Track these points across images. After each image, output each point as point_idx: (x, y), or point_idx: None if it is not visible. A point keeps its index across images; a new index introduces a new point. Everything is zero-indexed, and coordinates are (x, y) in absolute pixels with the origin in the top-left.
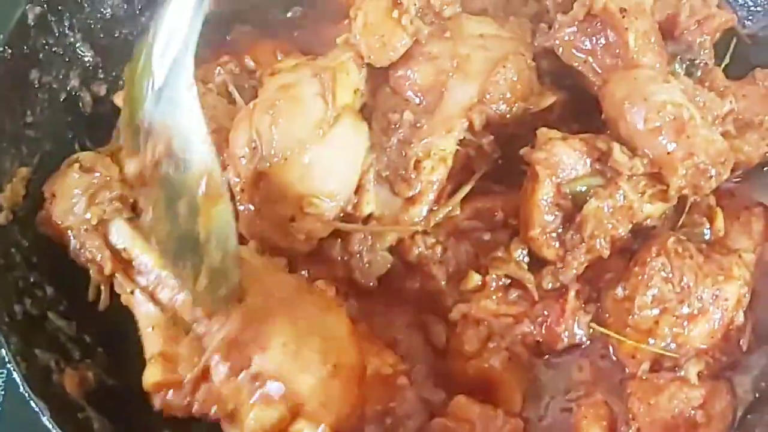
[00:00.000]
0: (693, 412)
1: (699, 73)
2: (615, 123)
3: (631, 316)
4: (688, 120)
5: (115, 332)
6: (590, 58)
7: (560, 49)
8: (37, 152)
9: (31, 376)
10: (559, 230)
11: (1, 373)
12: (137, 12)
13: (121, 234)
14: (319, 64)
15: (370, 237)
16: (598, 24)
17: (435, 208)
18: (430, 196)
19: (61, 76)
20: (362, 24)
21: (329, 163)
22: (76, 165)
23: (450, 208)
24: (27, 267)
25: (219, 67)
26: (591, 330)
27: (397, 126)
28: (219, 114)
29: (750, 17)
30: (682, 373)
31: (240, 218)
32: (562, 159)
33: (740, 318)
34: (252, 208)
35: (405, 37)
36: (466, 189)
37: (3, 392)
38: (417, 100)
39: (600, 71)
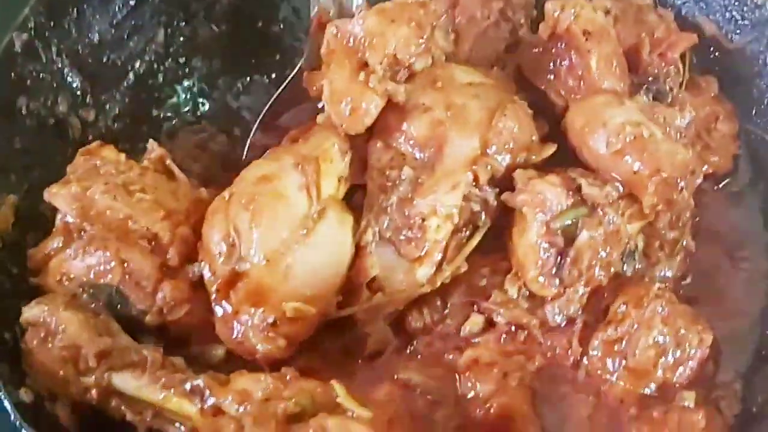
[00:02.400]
0: None
1: (669, 100)
2: (580, 151)
3: (630, 357)
4: (649, 137)
5: None
6: (554, 79)
7: (527, 69)
8: (25, 179)
9: (22, 405)
10: (555, 268)
11: None
12: (125, 37)
13: (127, 384)
14: (301, 152)
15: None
16: (563, 45)
17: (442, 267)
18: (437, 256)
19: (49, 103)
20: (329, 93)
21: (314, 264)
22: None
23: (458, 265)
24: (16, 294)
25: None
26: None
27: (397, 183)
28: (162, 195)
29: (737, 31)
30: (685, 403)
31: (215, 320)
32: (546, 196)
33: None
34: (229, 309)
35: (375, 98)
36: (473, 244)
37: None
38: (416, 155)
39: (563, 93)
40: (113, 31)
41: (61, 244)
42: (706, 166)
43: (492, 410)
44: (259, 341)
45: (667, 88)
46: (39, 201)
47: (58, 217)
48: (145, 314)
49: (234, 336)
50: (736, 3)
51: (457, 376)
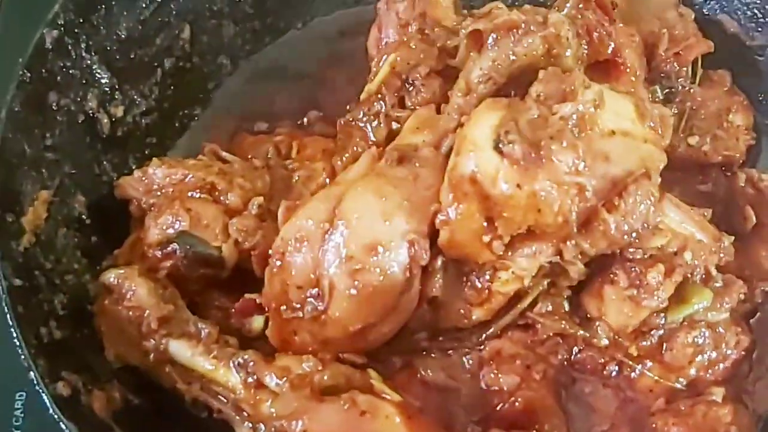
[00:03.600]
0: (725, 429)
1: (678, 98)
2: None
3: (667, 352)
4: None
5: None
6: None
7: None
8: (56, 175)
9: (59, 398)
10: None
11: (21, 395)
12: (152, 33)
13: (181, 352)
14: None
15: None
16: None
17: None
18: (495, 305)
19: (78, 98)
20: (447, 238)
21: (386, 330)
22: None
23: (510, 320)
24: (51, 289)
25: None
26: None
27: None
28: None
29: (759, 29)
30: (713, 397)
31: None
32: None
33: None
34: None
35: (489, 257)
36: (528, 300)
37: (22, 415)
38: None
39: None
40: (140, 27)
41: (138, 229)
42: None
43: (517, 404)
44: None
45: (679, 87)
46: (70, 197)
47: (131, 207)
48: (221, 251)
49: (283, 348)
50: (758, 1)
51: (479, 371)
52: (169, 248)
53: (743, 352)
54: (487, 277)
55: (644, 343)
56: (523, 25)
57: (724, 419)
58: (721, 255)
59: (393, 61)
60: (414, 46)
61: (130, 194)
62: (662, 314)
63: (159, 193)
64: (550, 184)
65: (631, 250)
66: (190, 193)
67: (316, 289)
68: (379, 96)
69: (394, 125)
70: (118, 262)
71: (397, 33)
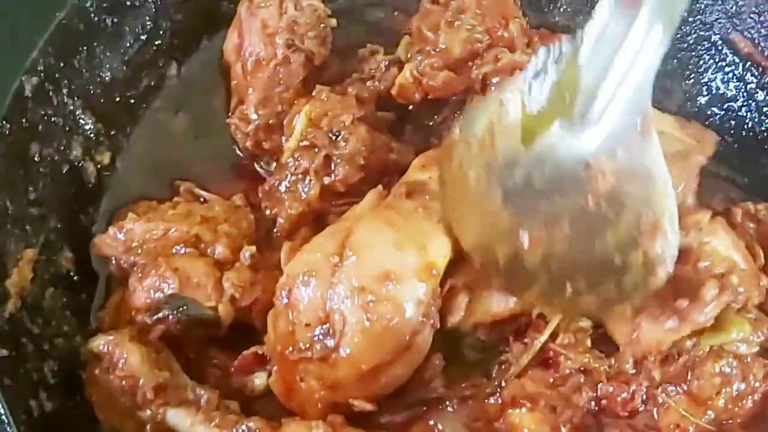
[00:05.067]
0: None
1: None
2: None
3: (694, 382)
4: None
5: None
6: None
7: None
8: (41, 231)
9: None
10: None
11: None
12: (137, 74)
13: (180, 421)
14: (429, 254)
15: None
16: None
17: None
18: None
19: (62, 147)
20: None
21: (398, 374)
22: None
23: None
24: (40, 356)
25: None
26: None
27: None
28: (195, 209)
29: None
30: None
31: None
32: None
33: None
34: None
35: None
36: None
37: None
38: None
39: None
40: (125, 68)
41: (121, 288)
42: None
43: None
44: (313, 414)
45: None
46: (57, 253)
47: (111, 266)
48: (217, 311)
49: (288, 399)
50: None
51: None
52: (159, 314)
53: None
54: None
55: (669, 368)
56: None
57: None
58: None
59: (309, 113)
60: (326, 98)
61: (107, 253)
62: (694, 338)
63: (140, 251)
64: None
65: None
66: (174, 249)
67: (327, 325)
68: (298, 155)
69: (327, 179)
70: (104, 326)
71: (262, 42)
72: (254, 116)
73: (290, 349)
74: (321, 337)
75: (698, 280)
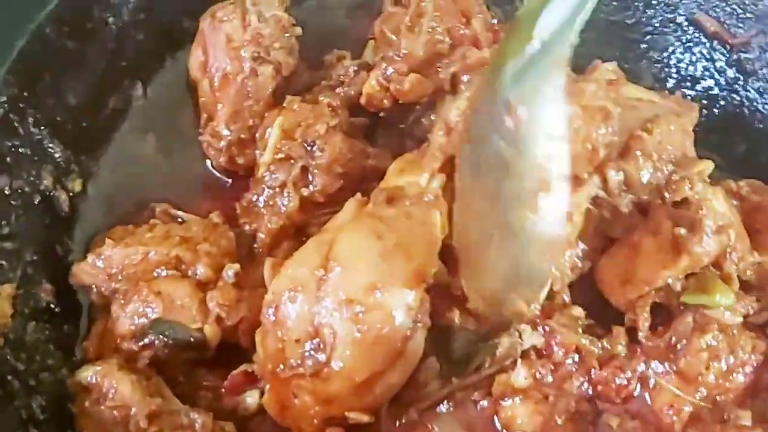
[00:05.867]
0: None
1: None
2: None
3: (681, 359)
4: None
5: None
6: None
7: None
8: (18, 265)
9: None
10: None
11: None
12: (103, 97)
13: None
14: (414, 262)
15: None
16: None
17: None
18: None
19: (32, 178)
20: None
21: (393, 383)
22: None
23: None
24: (26, 393)
25: None
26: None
27: None
28: (173, 230)
29: (740, 24)
30: (741, 421)
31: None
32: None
33: None
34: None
35: None
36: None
37: None
38: None
39: None
40: (89, 91)
41: (104, 316)
42: None
43: None
44: (310, 430)
45: None
46: (36, 286)
47: (92, 295)
48: (203, 332)
49: (283, 417)
50: None
51: (495, 419)
52: (145, 340)
53: (761, 358)
54: None
55: (655, 342)
56: None
57: None
58: (752, 258)
59: (282, 125)
60: (297, 108)
61: (87, 282)
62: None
63: (120, 277)
64: (574, 108)
65: (667, 195)
66: (155, 272)
67: (317, 340)
68: (274, 168)
69: (305, 191)
70: (89, 356)
71: (228, 56)
72: (225, 132)
73: (281, 366)
74: (312, 352)
75: (698, 221)
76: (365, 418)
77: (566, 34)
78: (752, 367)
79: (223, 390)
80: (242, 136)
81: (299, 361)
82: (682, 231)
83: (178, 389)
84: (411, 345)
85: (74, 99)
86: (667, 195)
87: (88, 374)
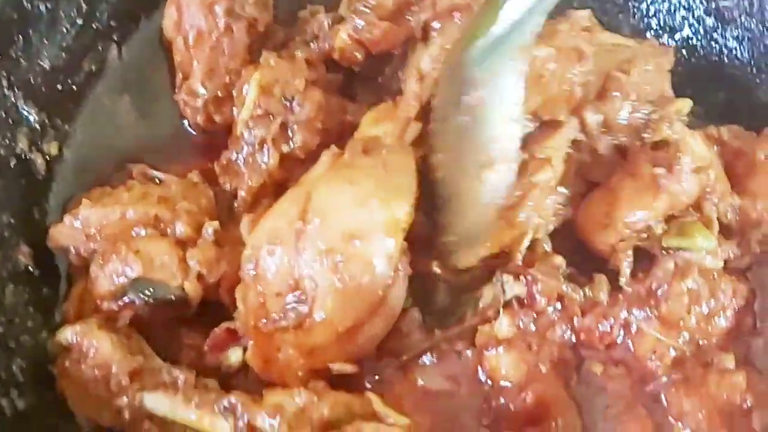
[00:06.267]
0: (741, 397)
1: None
2: None
3: (663, 305)
4: None
5: None
6: None
7: None
8: None
9: None
10: None
11: None
12: (78, 60)
13: (159, 404)
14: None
15: None
16: None
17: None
18: (530, 202)
19: (7, 141)
20: None
21: (377, 330)
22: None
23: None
24: (7, 355)
25: None
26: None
27: None
28: (150, 189)
29: None
30: (724, 364)
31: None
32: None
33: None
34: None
35: None
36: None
37: None
38: None
39: None
40: (64, 54)
41: (83, 277)
42: None
43: (527, 400)
44: (294, 383)
45: None
46: (13, 249)
47: (70, 256)
48: (184, 290)
49: (267, 371)
50: None
51: (479, 369)
52: (125, 299)
53: (742, 302)
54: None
55: (636, 288)
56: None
57: (739, 387)
58: (732, 201)
59: (259, 81)
60: (274, 64)
61: (65, 243)
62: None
63: (98, 237)
64: (548, 50)
65: (646, 135)
66: (133, 232)
67: (298, 292)
68: (253, 125)
69: (285, 147)
70: (69, 318)
71: (202, 13)
72: (202, 90)
73: (264, 321)
74: (294, 304)
75: (676, 160)
76: (349, 368)
77: (531, 21)
78: (733, 311)
79: (205, 348)
80: (219, 93)
81: (282, 314)
82: (661, 170)
83: (161, 349)
84: (392, 293)
85: (48, 61)
86: (646, 136)
87: (67, 334)
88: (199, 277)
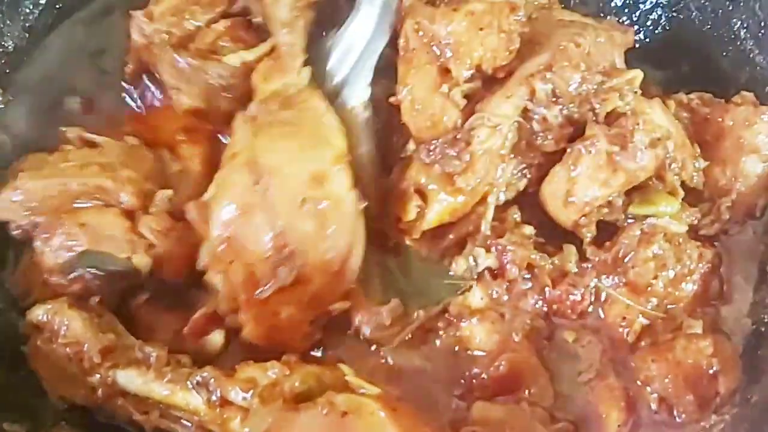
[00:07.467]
0: (707, 361)
1: None
2: None
3: (631, 270)
4: None
5: None
6: None
7: None
8: None
9: None
10: None
11: None
12: (41, 38)
13: (131, 381)
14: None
15: None
16: None
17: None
18: (480, 169)
19: None
20: (409, 101)
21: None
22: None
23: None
24: None
25: None
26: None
27: None
28: (89, 156)
29: None
30: (692, 330)
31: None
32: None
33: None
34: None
35: (456, 112)
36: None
37: None
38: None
39: None
40: (27, 35)
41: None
42: None
43: (501, 368)
44: (299, 344)
45: None
46: None
47: (12, 231)
48: (132, 262)
49: (272, 339)
50: None
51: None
52: (74, 273)
53: (709, 267)
54: (464, 145)
55: (603, 256)
56: None
57: (705, 351)
58: (696, 164)
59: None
60: None
61: (5, 218)
62: (626, 207)
63: (41, 210)
64: (482, 5)
65: (597, 105)
66: (76, 204)
67: (285, 250)
68: None
69: None
70: (17, 292)
71: None
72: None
73: (259, 290)
74: (284, 261)
75: (630, 137)
76: (346, 304)
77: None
78: (700, 275)
79: (184, 334)
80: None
81: (274, 276)
82: (615, 148)
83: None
84: (360, 216)
85: (11, 42)
86: (597, 106)
87: (38, 313)
88: (150, 247)
